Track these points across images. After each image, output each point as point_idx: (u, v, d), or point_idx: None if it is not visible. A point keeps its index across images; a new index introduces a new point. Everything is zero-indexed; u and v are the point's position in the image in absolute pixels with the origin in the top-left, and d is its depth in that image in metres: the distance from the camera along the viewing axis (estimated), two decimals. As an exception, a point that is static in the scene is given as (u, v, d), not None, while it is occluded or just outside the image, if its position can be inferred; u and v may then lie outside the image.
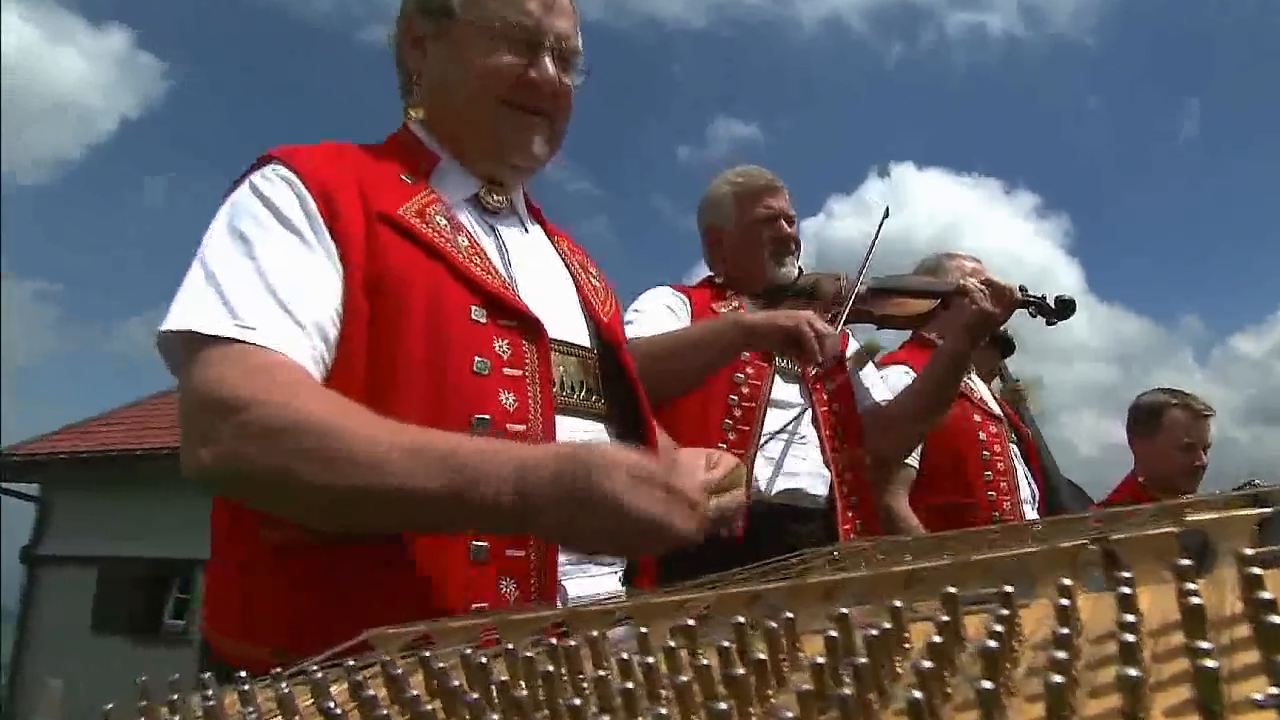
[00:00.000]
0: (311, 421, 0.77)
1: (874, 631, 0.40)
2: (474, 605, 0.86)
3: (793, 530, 1.70)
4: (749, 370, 1.83)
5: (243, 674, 0.53)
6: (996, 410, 2.45)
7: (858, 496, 1.85)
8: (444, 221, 1.01)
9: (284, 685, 0.50)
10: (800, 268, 2.06)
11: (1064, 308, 2.12)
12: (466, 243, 1.01)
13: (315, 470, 0.75)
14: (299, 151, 0.98)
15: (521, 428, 0.93)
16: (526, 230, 1.16)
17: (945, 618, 0.42)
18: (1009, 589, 0.42)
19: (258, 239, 0.90)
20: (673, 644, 0.47)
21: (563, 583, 0.94)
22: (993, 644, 0.37)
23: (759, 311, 1.81)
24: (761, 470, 1.75)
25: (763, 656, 0.42)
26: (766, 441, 1.78)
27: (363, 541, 0.85)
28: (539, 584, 0.91)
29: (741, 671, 0.40)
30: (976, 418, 2.32)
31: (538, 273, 1.10)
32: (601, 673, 0.44)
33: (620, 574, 1.04)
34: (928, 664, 0.36)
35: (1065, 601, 0.40)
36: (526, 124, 1.09)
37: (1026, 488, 2.36)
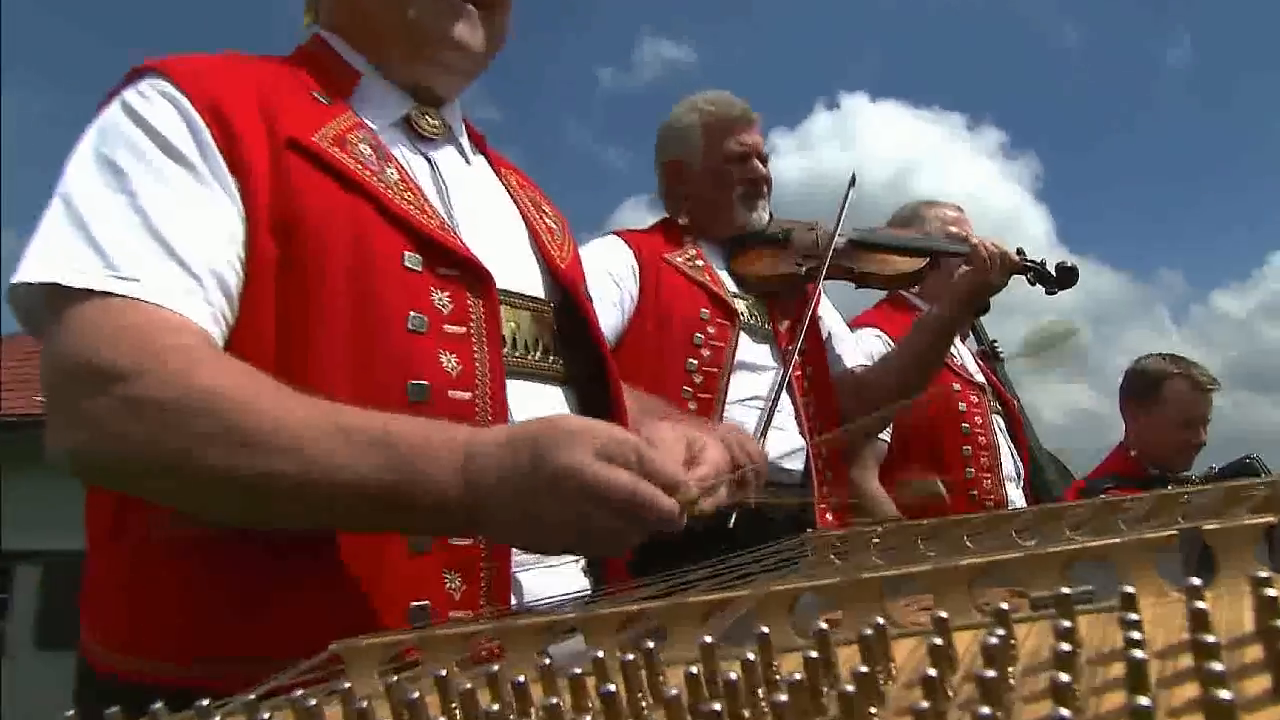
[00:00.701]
0: (214, 395, 0.70)
1: (863, 669, 0.36)
2: (414, 603, 0.80)
3: (767, 508, 1.64)
4: (711, 329, 1.76)
5: (158, 706, 0.45)
6: (978, 377, 2.42)
7: (832, 470, 1.82)
8: (369, 150, 0.93)
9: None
10: (771, 213, 2.00)
11: (1065, 276, 2.09)
12: (396, 176, 0.93)
13: (219, 455, 0.68)
14: (183, 63, 0.88)
15: (466, 395, 0.87)
16: (468, 161, 1.08)
17: (937, 640, 0.38)
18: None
19: (136, 171, 0.81)
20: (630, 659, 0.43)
21: (518, 577, 0.89)
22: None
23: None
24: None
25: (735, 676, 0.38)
26: (741, 410, 1.74)
27: (277, 530, 0.78)
28: (491, 579, 0.85)
29: (716, 708, 0.35)
30: (956, 385, 2.29)
31: (482, 211, 1.03)
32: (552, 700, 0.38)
33: (583, 564, 0.99)
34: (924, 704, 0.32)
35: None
36: (451, 6, 1.01)
37: (1010, 463, 2.34)
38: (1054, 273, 2.10)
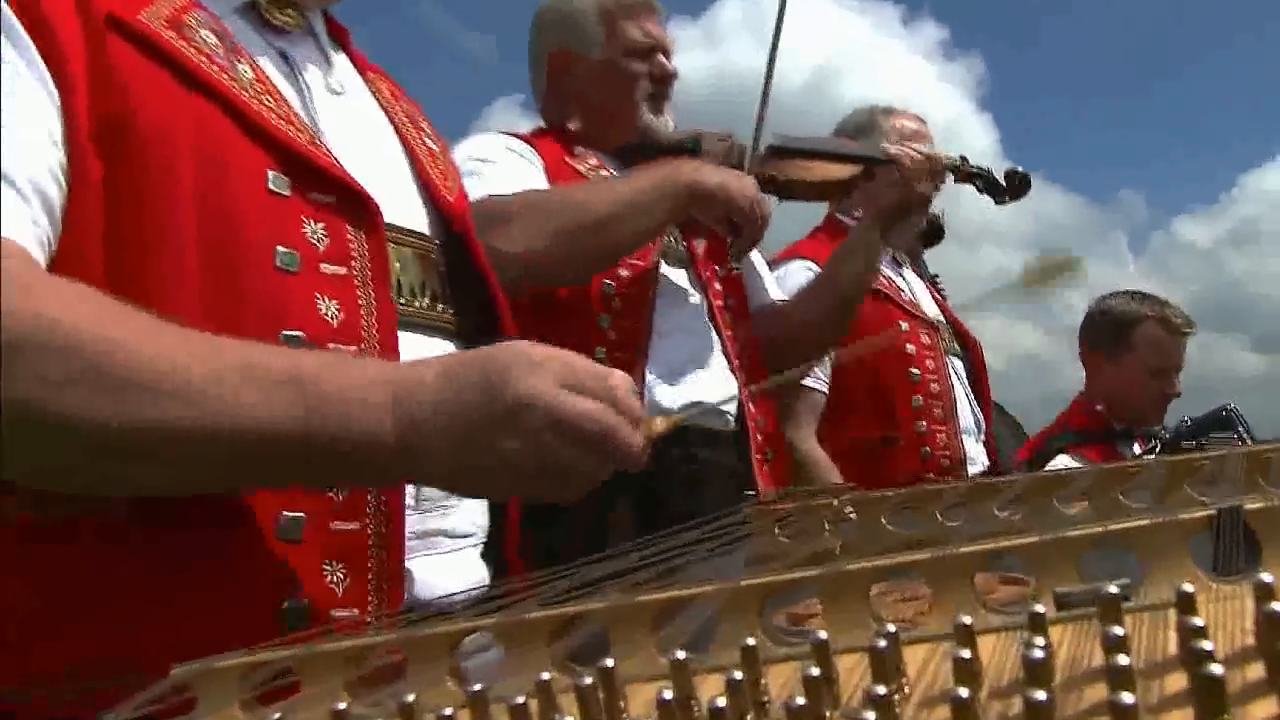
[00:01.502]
0: (70, 331, 0.68)
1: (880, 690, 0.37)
2: (285, 602, 0.80)
3: (701, 459, 1.69)
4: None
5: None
6: (933, 314, 2.49)
7: (764, 416, 1.86)
8: (213, 39, 0.89)
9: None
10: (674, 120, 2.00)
11: (1016, 184, 2.19)
12: (251, 75, 0.90)
13: (83, 404, 0.67)
14: None
15: (351, 349, 0.88)
16: (329, 63, 1.05)
17: (964, 653, 0.38)
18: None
19: None
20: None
21: (407, 565, 0.89)
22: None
23: (711, 168, 1.78)
24: (657, 381, 1.71)
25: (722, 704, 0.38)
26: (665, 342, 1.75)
27: (107, 513, 0.76)
28: (380, 569, 0.86)
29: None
30: (904, 324, 2.34)
31: (352, 126, 1.01)
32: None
33: (481, 548, 1.00)
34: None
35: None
36: None
37: (970, 415, 2.42)
38: (1003, 181, 2.19)
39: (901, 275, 2.55)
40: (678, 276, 1.83)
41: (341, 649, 0.54)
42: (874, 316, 2.31)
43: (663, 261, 1.80)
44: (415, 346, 0.94)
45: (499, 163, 1.76)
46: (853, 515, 0.92)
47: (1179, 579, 0.44)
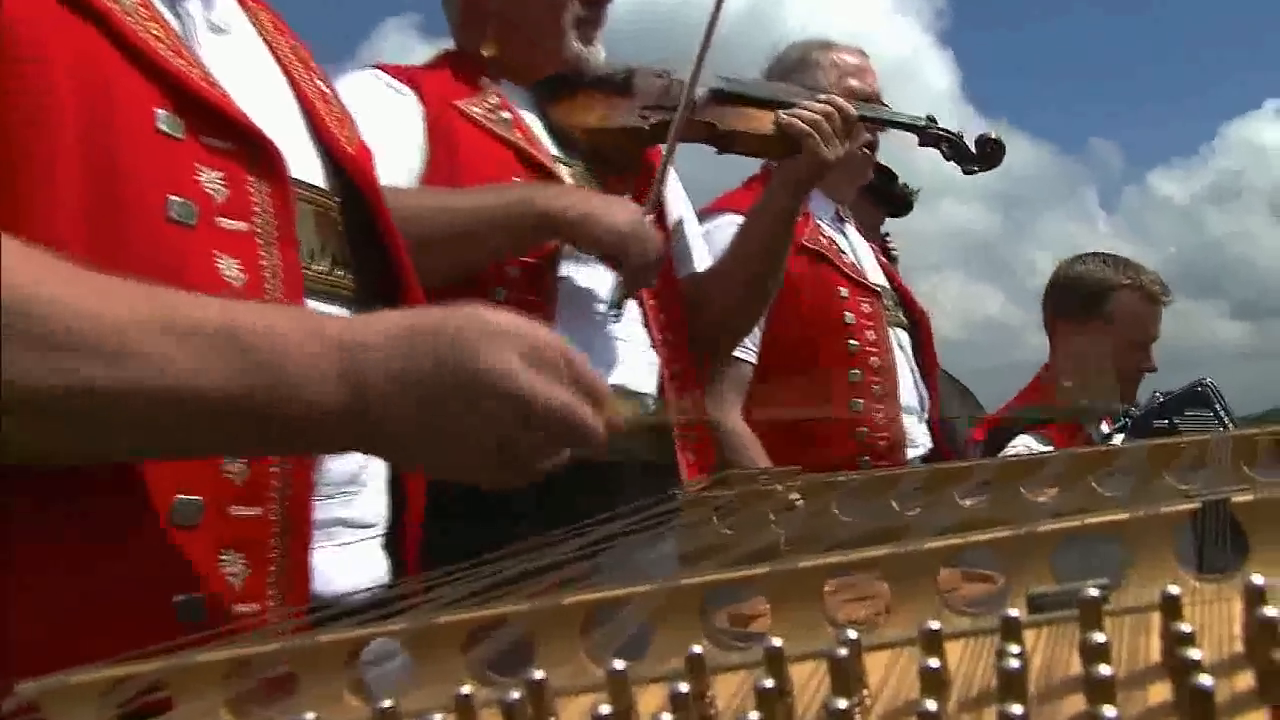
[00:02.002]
0: None
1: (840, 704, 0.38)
2: (177, 598, 0.80)
3: (619, 444, 1.69)
4: None
5: None
6: (876, 280, 2.53)
7: (689, 395, 1.88)
8: None
9: None
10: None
11: (989, 152, 2.19)
12: None
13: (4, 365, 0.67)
14: None
15: None
16: None
17: (932, 662, 0.40)
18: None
19: None
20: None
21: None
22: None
23: (569, 189, 1.78)
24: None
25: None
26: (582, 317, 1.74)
27: None
28: (283, 560, 0.87)
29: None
30: (843, 291, 2.39)
31: (238, 66, 0.99)
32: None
33: (382, 539, 1.02)
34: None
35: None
36: None
37: (913, 393, 2.49)
38: (974, 148, 2.19)
39: (843, 233, 2.59)
40: None
41: (221, 660, 0.53)
42: (811, 281, 2.36)
43: None
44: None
45: (369, 112, 1.73)
46: (800, 503, 0.95)
47: (1162, 578, 0.46)
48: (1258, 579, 0.37)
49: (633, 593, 0.54)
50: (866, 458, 2.32)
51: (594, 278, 1.78)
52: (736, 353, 2.30)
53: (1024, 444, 2.68)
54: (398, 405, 0.75)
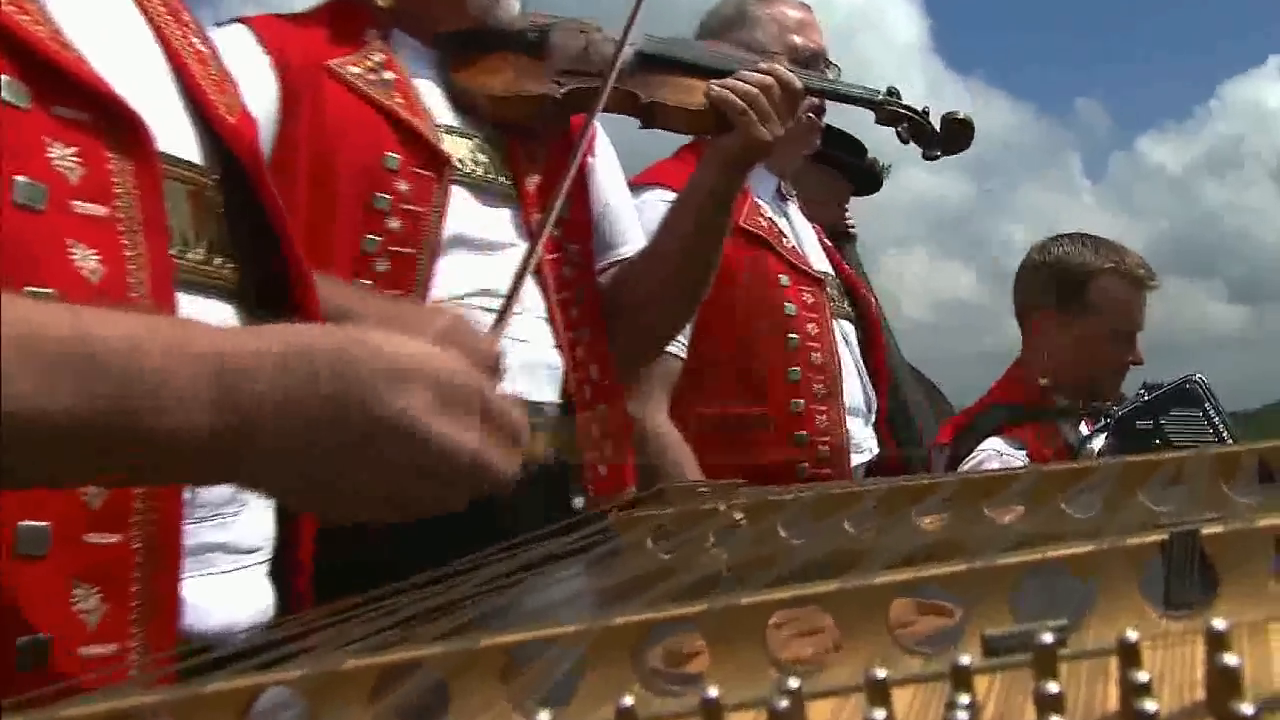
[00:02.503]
0: None
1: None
2: (19, 640, 0.80)
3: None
4: (403, 184, 1.71)
5: None
6: (820, 267, 2.57)
7: (606, 403, 1.88)
8: None
9: None
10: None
11: (954, 133, 2.19)
12: None
13: None
14: None
15: None
16: None
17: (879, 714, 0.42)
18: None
19: None
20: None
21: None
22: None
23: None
24: None
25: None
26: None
27: None
28: (147, 594, 0.87)
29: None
30: (783, 279, 2.42)
31: (95, 23, 0.98)
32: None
33: (268, 566, 1.02)
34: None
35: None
36: None
37: (859, 393, 2.54)
38: (938, 127, 2.19)
39: (785, 213, 2.61)
40: (491, 221, 1.81)
41: (77, 716, 0.53)
42: (748, 267, 2.38)
43: (468, 194, 1.78)
44: (190, 312, 0.94)
45: None
46: (743, 522, 0.97)
47: (1126, 616, 0.50)
48: (1219, 623, 0.40)
49: (559, 633, 0.55)
50: (805, 464, 2.35)
51: (487, 268, 1.76)
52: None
53: (994, 448, 2.73)
54: (280, 440, 0.74)
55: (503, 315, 1.58)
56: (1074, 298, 2.95)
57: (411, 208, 1.71)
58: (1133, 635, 0.41)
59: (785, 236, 2.51)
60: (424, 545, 0.89)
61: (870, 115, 2.22)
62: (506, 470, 0.81)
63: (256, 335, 0.79)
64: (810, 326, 2.42)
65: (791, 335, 2.39)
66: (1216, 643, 0.40)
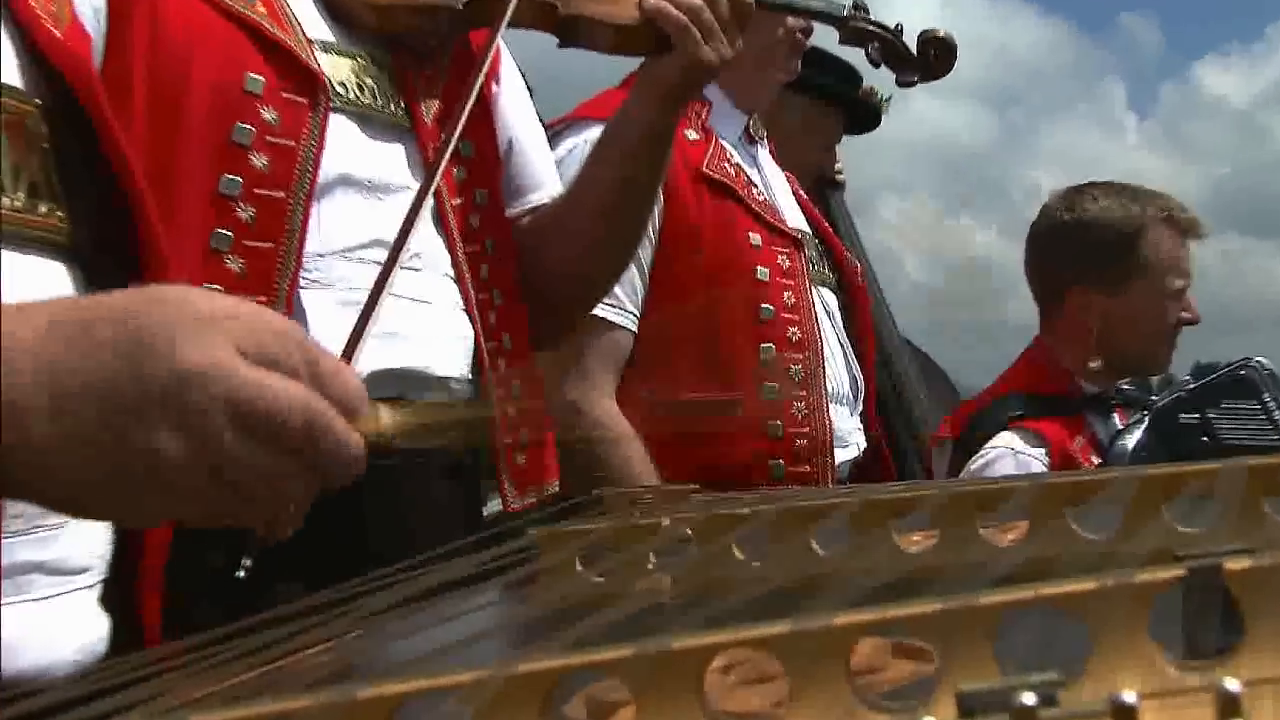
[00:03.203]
0: None
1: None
2: None
3: (405, 455, 1.67)
4: (268, 113, 1.67)
5: None
6: (796, 224, 2.59)
7: (521, 379, 1.92)
8: None
9: None
10: None
11: (933, 57, 2.22)
12: None
13: None
14: None
15: None
16: None
17: None
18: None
19: None
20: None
21: None
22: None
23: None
24: (327, 330, 1.61)
25: None
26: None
27: None
28: None
29: None
30: (754, 238, 2.43)
31: None
32: None
33: (100, 588, 1.03)
34: None
35: None
36: None
37: (844, 373, 2.57)
38: (914, 48, 2.23)
39: (755, 161, 2.63)
40: (379, 157, 1.80)
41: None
42: (713, 223, 2.40)
43: (355, 129, 1.76)
44: (9, 272, 0.94)
45: None
46: (691, 537, 0.97)
47: (1132, 666, 0.50)
48: (1231, 684, 0.40)
49: (455, 682, 0.55)
50: (781, 461, 2.37)
51: (376, 212, 1.75)
52: (611, 316, 2.33)
53: (1008, 445, 2.74)
54: (58, 426, 0.74)
55: (388, 269, 1.57)
56: (1120, 260, 2.92)
57: (280, 141, 1.67)
58: (1130, 697, 0.41)
59: (755, 187, 2.52)
60: (300, 561, 0.89)
61: (834, 34, 2.24)
62: (345, 441, 0.80)
63: (20, 306, 0.79)
64: (786, 295, 2.44)
65: (765, 306, 2.41)
66: (1229, 707, 0.40)
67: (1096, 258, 2.94)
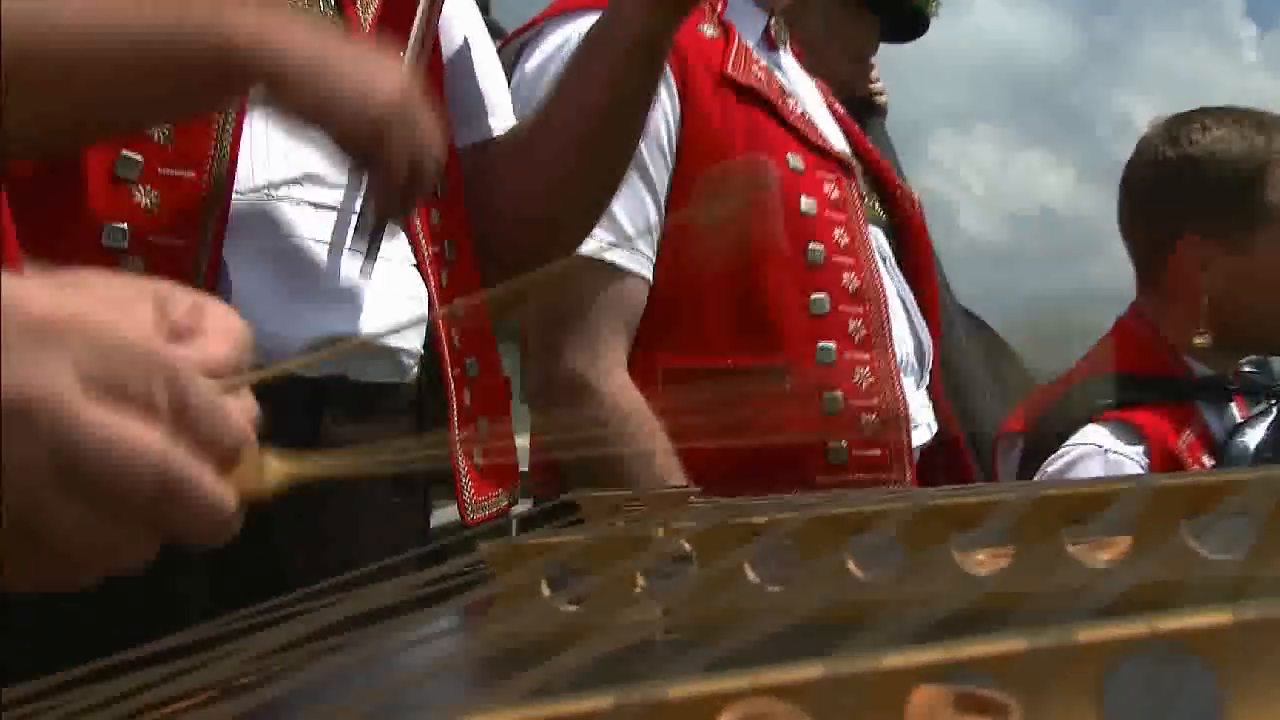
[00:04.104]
0: None
1: None
2: None
3: (356, 438, 1.69)
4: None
5: None
6: (839, 146, 2.60)
7: (477, 354, 1.93)
8: None
9: None
10: None
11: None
12: None
13: None
14: None
15: None
16: None
17: None
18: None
19: None
20: None
21: None
22: None
23: (289, 18, 1.72)
24: (259, 300, 1.66)
25: None
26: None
27: None
28: None
29: None
30: (793, 160, 2.43)
31: None
32: None
33: None
34: None
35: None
36: None
37: (908, 335, 2.57)
38: None
39: (778, 66, 2.62)
40: None
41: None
42: (742, 134, 2.38)
43: None
44: None
45: None
46: (691, 554, 0.96)
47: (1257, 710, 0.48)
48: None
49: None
50: (844, 443, 2.36)
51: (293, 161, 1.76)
52: (622, 261, 2.32)
53: (1097, 441, 2.73)
54: None
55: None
56: (1243, 205, 2.88)
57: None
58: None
59: (791, 98, 2.52)
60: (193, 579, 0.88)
61: None
62: (210, 493, 0.76)
63: None
64: (838, 233, 2.42)
65: (813, 246, 2.39)
66: None
67: (1209, 202, 2.90)
